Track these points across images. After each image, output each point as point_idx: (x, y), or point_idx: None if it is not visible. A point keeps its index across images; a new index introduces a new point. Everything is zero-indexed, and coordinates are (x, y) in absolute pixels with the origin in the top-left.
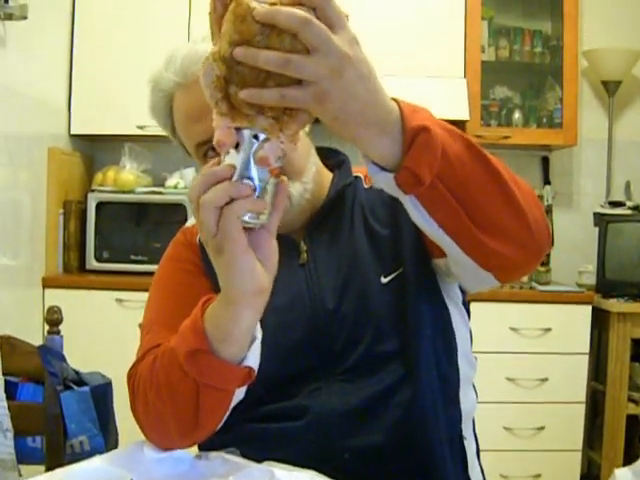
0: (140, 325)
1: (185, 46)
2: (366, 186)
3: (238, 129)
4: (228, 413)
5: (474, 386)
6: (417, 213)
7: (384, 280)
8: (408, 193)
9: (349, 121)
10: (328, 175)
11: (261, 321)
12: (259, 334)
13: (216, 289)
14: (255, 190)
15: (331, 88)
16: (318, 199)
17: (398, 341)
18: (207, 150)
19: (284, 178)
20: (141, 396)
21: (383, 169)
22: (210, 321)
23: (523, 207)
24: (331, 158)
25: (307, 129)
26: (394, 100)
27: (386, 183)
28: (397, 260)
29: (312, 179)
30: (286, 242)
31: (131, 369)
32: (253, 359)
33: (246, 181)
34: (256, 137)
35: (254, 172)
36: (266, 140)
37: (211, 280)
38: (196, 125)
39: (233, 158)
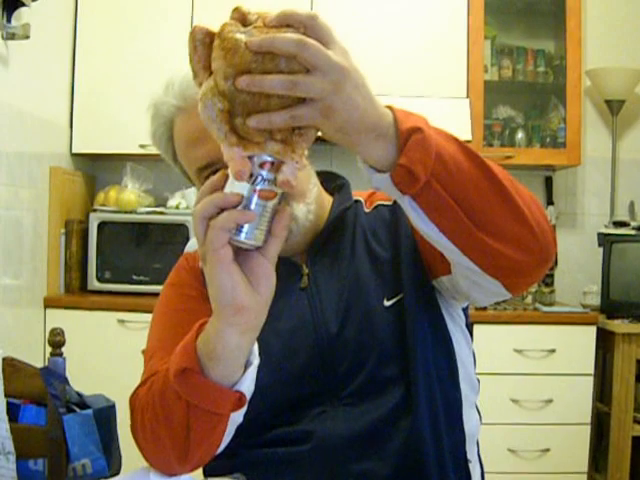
0: (143, 352)
1: (183, 70)
2: (367, 210)
3: (250, 157)
4: (227, 439)
5: (477, 408)
6: (416, 216)
7: (387, 303)
8: (405, 193)
9: (351, 130)
10: (328, 199)
11: (265, 345)
12: (256, 361)
13: None
14: (248, 206)
15: (335, 102)
16: (319, 222)
17: (400, 365)
18: (209, 175)
19: (287, 207)
20: (139, 419)
21: (379, 172)
22: (202, 338)
23: (523, 208)
24: (331, 182)
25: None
26: (388, 107)
27: (383, 184)
28: (398, 284)
29: (314, 200)
30: (288, 265)
31: (132, 394)
32: (246, 385)
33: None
34: (263, 165)
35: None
36: (280, 164)
37: None
38: (197, 149)
39: (236, 186)
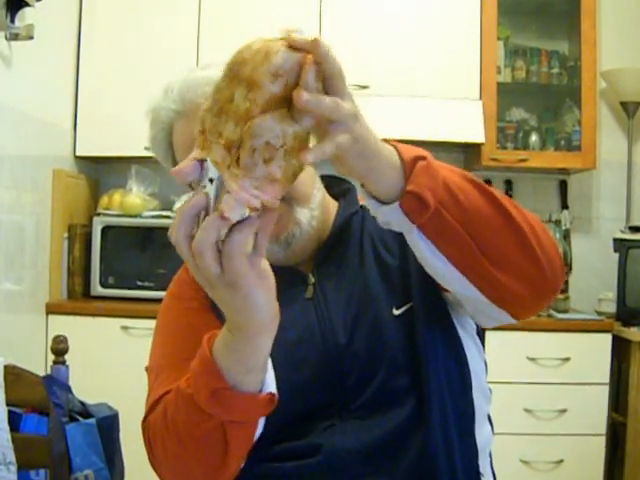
0: (147, 368)
1: (182, 74)
2: None
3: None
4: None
5: (490, 419)
6: (425, 249)
7: (396, 312)
8: (415, 221)
9: (370, 156)
10: (334, 204)
11: (271, 356)
12: (268, 360)
13: (223, 324)
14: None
15: (358, 128)
16: (324, 228)
17: (411, 376)
18: None
19: (274, 207)
20: (159, 447)
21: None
22: (227, 357)
23: (533, 239)
24: (336, 187)
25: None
26: (385, 141)
27: (393, 215)
28: (407, 292)
29: (319, 205)
30: (293, 274)
31: (144, 420)
32: (271, 383)
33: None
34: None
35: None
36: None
37: (217, 315)
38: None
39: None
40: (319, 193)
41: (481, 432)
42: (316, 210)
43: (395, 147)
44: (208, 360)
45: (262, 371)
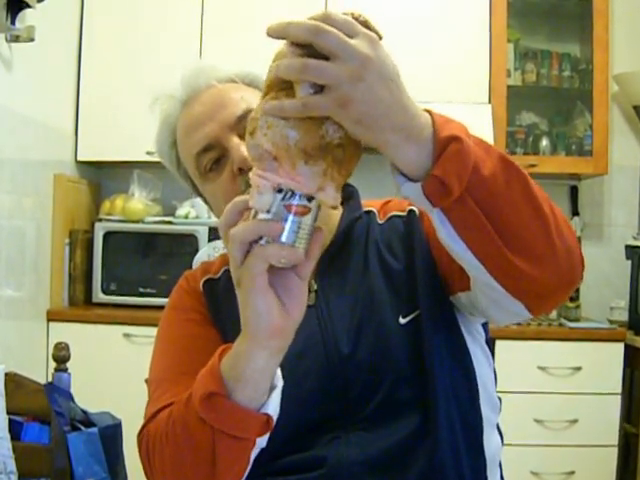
0: (146, 381)
1: (191, 64)
2: (381, 221)
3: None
4: (249, 466)
5: (499, 429)
6: (444, 230)
7: (402, 321)
8: (436, 205)
9: (373, 125)
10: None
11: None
12: (280, 383)
13: (224, 338)
14: (285, 231)
15: (353, 91)
16: (328, 235)
17: (417, 387)
18: (208, 163)
19: (322, 227)
20: (157, 453)
21: (410, 180)
22: (227, 362)
23: (554, 230)
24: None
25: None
26: (427, 110)
27: (413, 193)
28: (414, 299)
29: (321, 214)
30: None
31: (141, 430)
32: (272, 407)
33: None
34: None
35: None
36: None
37: (219, 329)
38: (196, 133)
39: (265, 198)
40: None
41: (490, 443)
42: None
43: (432, 118)
44: (214, 365)
45: (252, 386)
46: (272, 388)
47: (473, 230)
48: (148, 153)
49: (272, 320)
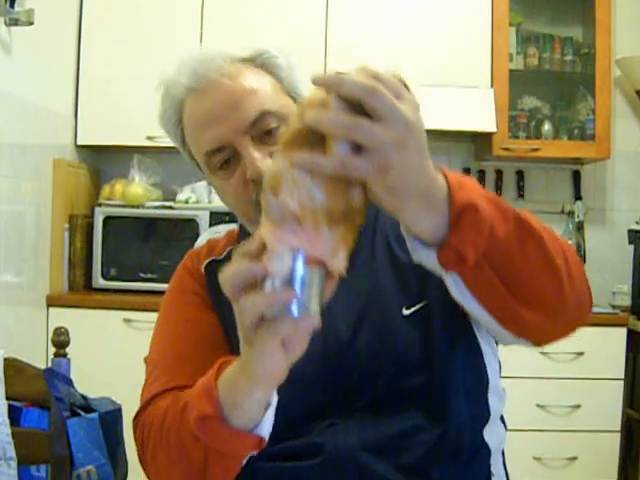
0: (145, 359)
1: (197, 51)
2: None
3: None
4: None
5: (503, 419)
6: (457, 290)
7: (406, 312)
8: (450, 271)
9: (402, 193)
10: None
11: None
12: (274, 400)
13: (223, 322)
14: (299, 297)
15: (394, 157)
16: None
17: (425, 377)
18: (218, 163)
19: (335, 275)
20: (151, 451)
21: (424, 244)
22: (225, 386)
23: (568, 282)
24: None
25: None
26: (439, 170)
27: (427, 260)
28: (422, 291)
29: None
30: None
31: (137, 417)
32: (266, 427)
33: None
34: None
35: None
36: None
37: (218, 313)
38: (206, 132)
39: (284, 262)
40: None
41: (494, 433)
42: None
43: (447, 182)
44: (211, 384)
45: (248, 415)
46: (267, 405)
47: (486, 289)
48: (148, 138)
49: (276, 370)
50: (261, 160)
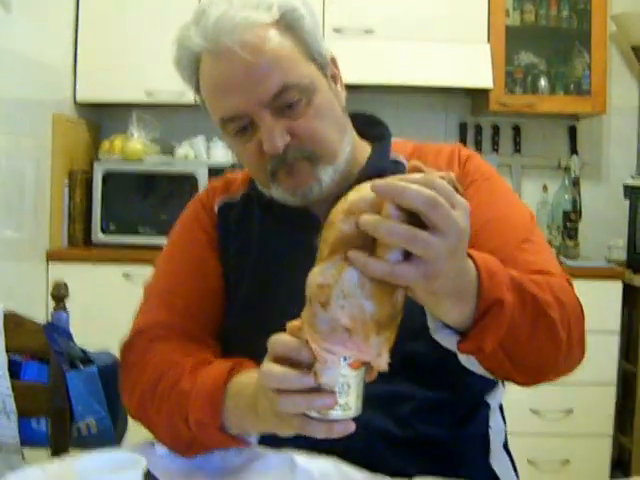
0: (145, 285)
1: (220, 6)
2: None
3: None
4: None
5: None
6: (465, 360)
7: None
8: (462, 352)
9: (442, 295)
10: (364, 148)
11: (274, 305)
12: None
13: (225, 266)
14: (336, 392)
15: (444, 266)
16: (349, 174)
17: (427, 341)
18: (234, 129)
19: (372, 374)
20: (137, 398)
21: (446, 327)
22: (232, 405)
23: (566, 353)
24: (370, 129)
25: (343, 102)
26: (470, 257)
27: (446, 342)
28: None
29: (344, 159)
30: (306, 218)
31: (127, 342)
32: (255, 435)
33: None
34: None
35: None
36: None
37: (222, 256)
38: (225, 99)
39: (335, 372)
40: (348, 147)
41: (493, 394)
42: (342, 166)
43: (479, 276)
44: (217, 393)
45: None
46: None
47: (492, 364)
48: (147, 93)
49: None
50: (279, 137)
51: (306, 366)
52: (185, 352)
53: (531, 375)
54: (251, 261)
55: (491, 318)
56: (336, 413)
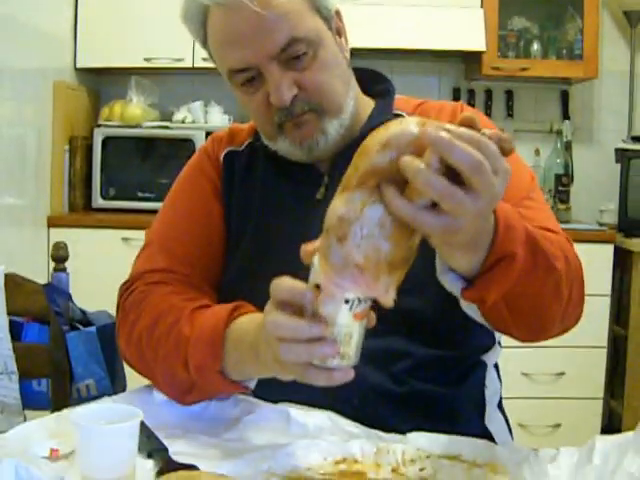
0: (146, 232)
1: None
2: None
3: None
4: None
5: (500, 343)
6: (466, 306)
7: None
8: (465, 300)
9: (457, 246)
10: (367, 104)
11: (272, 257)
12: None
13: (227, 215)
14: (337, 342)
15: (467, 225)
16: (352, 129)
17: (425, 298)
18: (242, 80)
19: (370, 319)
20: (134, 340)
21: (453, 272)
22: (232, 350)
23: (565, 313)
24: (374, 84)
25: (347, 55)
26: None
27: (451, 286)
28: None
29: (349, 113)
30: (309, 172)
31: (126, 286)
32: (254, 380)
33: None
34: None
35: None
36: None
37: (225, 205)
38: (233, 51)
39: (336, 307)
40: (352, 101)
41: (490, 355)
42: (347, 120)
43: (496, 229)
44: (219, 336)
45: (255, 377)
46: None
47: (492, 315)
48: (146, 59)
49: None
50: (286, 89)
51: (309, 312)
52: (184, 297)
53: (529, 330)
54: (253, 211)
55: (500, 270)
56: (337, 362)
